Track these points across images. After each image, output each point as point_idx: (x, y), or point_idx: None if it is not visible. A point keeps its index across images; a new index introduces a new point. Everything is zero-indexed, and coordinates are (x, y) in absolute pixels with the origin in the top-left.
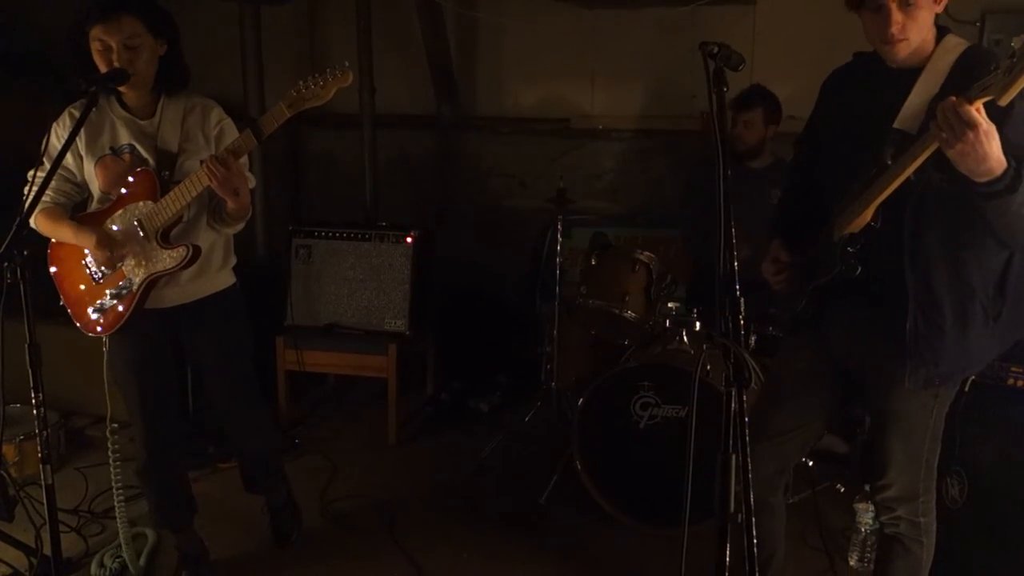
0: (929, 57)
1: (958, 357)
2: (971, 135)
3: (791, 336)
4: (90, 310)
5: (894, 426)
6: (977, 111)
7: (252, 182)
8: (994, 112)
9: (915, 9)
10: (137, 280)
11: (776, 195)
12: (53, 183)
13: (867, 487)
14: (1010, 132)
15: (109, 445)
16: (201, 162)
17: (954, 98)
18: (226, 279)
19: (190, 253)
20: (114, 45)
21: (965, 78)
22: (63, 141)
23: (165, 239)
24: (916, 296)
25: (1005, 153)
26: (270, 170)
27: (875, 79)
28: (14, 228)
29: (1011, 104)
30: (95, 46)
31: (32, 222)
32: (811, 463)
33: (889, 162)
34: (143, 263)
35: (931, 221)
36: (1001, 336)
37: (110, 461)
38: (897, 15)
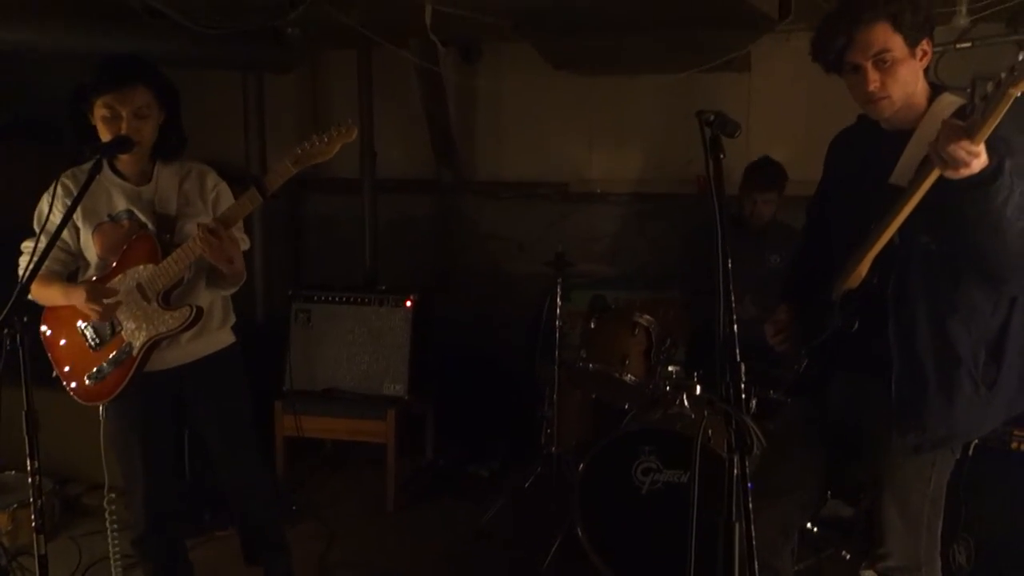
0: (923, 115)
1: (946, 423)
2: (976, 164)
3: (792, 398)
4: (87, 377)
5: (891, 493)
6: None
7: (246, 244)
8: None
9: (892, 66)
10: (138, 343)
11: (775, 258)
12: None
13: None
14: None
15: (107, 515)
16: (198, 227)
17: (959, 137)
18: (226, 338)
19: (193, 313)
20: (124, 114)
21: None
22: (55, 209)
23: (166, 301)
24: (899, 360)
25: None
26: (270, 234)
27: (873, 139)
28: (14, 295)
29: None
30: (102, 113)
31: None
32: (816, 529)
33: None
34: (144, 326)
35: (916, 286)
36: (1006, 403)
37: (108, 530)
38: (874, 74)
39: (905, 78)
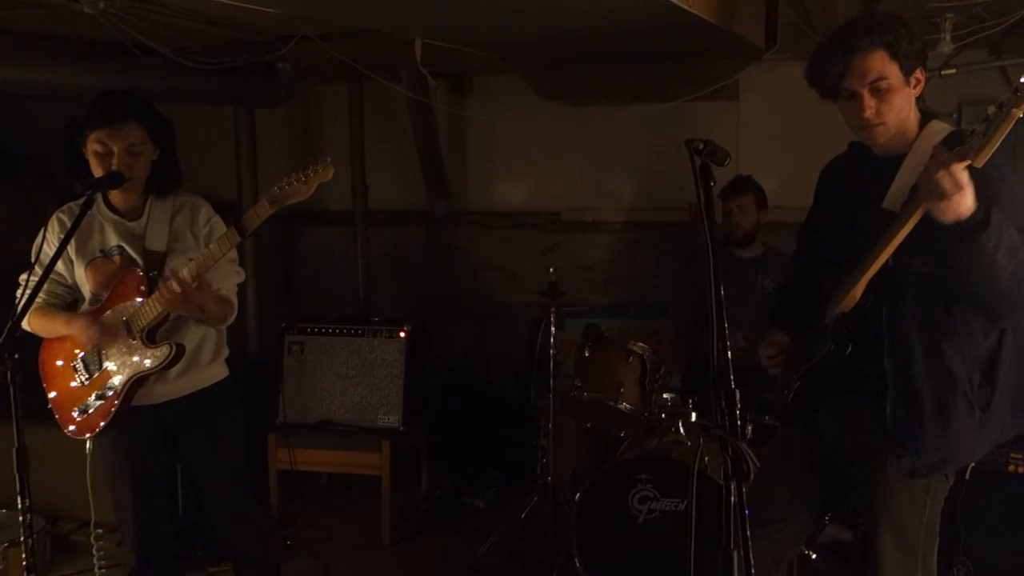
0: (914, 141)
1: (942, 447)
2: (958, 197)
3: (785, 423)
4: (74, 412)
5: (885, 521)
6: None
7: (240, 276)
8: (974, 175)
9: (887, 93)
10: (119, 381)
11: (767, 284)
12: (45, 286)
13: None
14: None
15: (95, 552)
16: (191, 259)
17: (947, 159)
18: (217, 372)
19: (172, 352)
20: (116, 150)
21: None
22: (49, 244)
23: (151, 338)
24: (895, 383)
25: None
26: (263, 267)
27: (865, 166)
28: (6, 330)
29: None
30: (94, 148)
31: (25, 323)
32: (814, 555)
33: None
34: (128, 361)
35: (909, 308)
36: (1000, 427)
37: (95, 568)
38: (870, 100)
39: (900, 105)
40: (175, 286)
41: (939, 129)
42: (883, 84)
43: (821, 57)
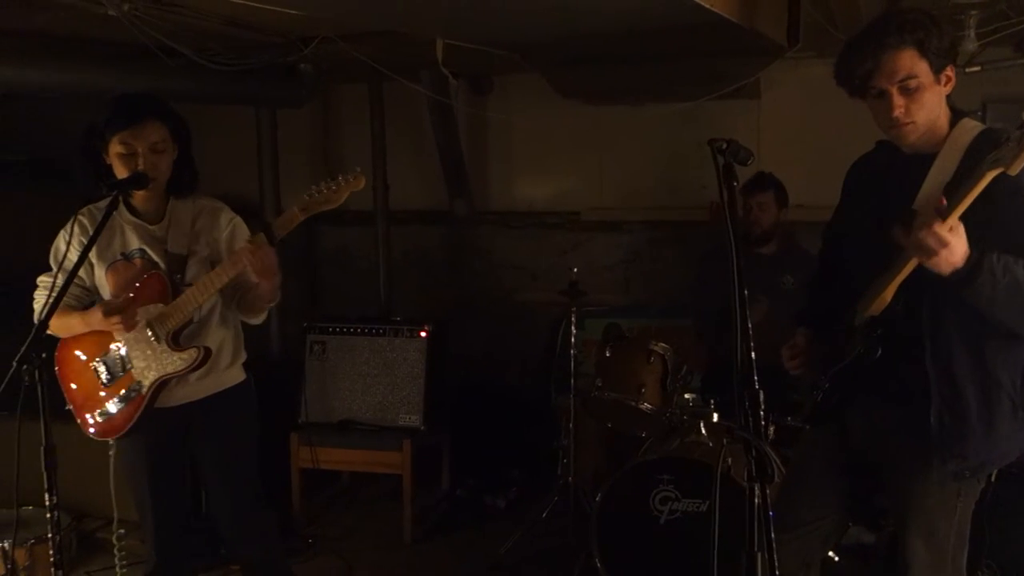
0: (944, 140)
1: (987, 449)
2: (944, 253)
3: (812, 425)
4: (97, 413)
5: (916, 524)
6: (950, 230)
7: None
8: (1007, 184)
9: (917, 92)
10: (147, 382)
11: (789, 281)
12: None
13: None
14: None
15: (116, 551)
16: (212, 263)
17: (929, 220)
18: (235, 376)
19: (200, 355)
20: (140, 150)
21: (980, 159)
22: (72, 246)
23: (175, 341)
24: (939, 387)
25: (984, 234)
26: (284, 267)
27: (894, 165)
28: (33, 331)
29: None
30: (118, 150)
31: None
32: (837, 558)
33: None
34: (153, 365)
35: (950, 310)
36: None
37: (117, 566)
38: (899, 99)
39: (930, 104)
40: (259, 243)
41: (970, 127)
42: (912, 83)
43: (849, 54)
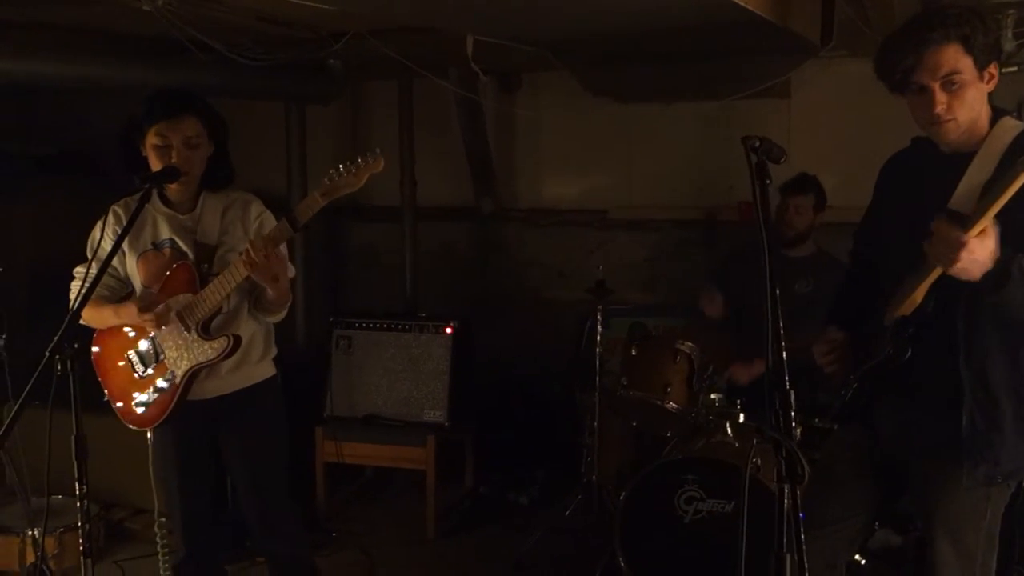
0: (984, 139)
1: (1020, 455)
2: (964, 255)
3: (840, 426)
4: (134, 403)
5: (944, 528)
6: (980, 233)
7: (292, 272)
8: None
9: (960, 88)
10: (180, 372)
11: (804, 285)
12: None
13: None
14: None
15: (159, 540)
16: (240, 254)
17: (947, 231)
18: (266, 370)
19: (231, 343)
20: (175, 143)
21: (1015, 159)
22: (106, 237)
23: (206, 330)
24: (972, 392)
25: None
26: (311, 262)
27: (930, 163)
28: (66, 321)
29: None
30: (154, 142)
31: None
32: (863, 561)
33: None
34: (184, 355)
35: (987, 316)
36: None
37: (159, 556)
38: (941, 95)
39: (972, 101)
40: (261, 244)
41: (1011, 127)
42: (956, 79)
43: (891, 49)
